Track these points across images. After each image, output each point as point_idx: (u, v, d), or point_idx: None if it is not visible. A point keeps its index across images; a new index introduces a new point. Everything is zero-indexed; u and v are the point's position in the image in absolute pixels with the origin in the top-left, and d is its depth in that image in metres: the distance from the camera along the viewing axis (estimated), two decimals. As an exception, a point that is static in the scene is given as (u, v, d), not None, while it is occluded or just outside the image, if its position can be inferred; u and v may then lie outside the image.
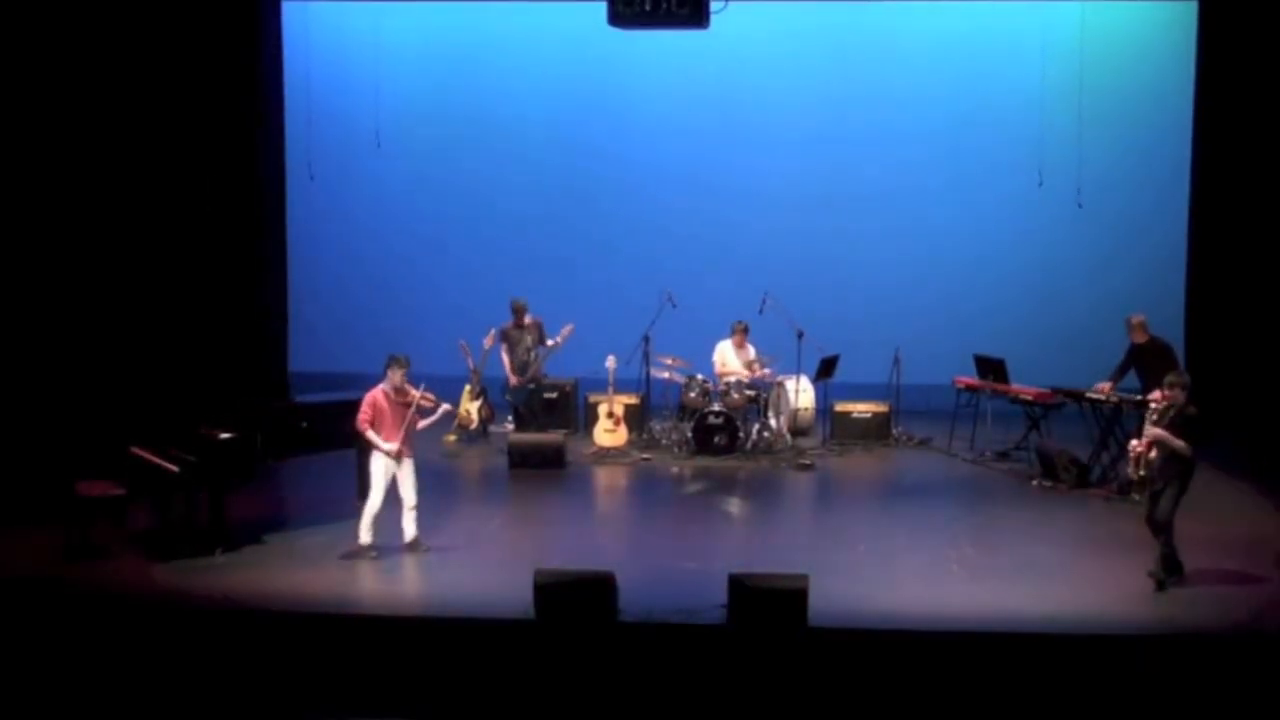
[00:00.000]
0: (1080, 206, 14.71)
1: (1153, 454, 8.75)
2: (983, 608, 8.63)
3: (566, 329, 13.22)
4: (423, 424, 9.76)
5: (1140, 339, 11.53)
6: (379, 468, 9.61)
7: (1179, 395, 8.70)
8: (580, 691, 7.78)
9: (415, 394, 9.61)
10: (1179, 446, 8.60)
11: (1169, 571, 8.89)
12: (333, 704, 7.83)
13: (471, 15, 15.60)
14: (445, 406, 9.81)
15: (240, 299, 14.63)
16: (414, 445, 9.74)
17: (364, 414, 9.58)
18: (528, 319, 13.47)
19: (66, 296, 12.49)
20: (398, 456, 9.56)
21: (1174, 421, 8.66)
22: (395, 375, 9.57)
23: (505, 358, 13.49)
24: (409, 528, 9.71)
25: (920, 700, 7.73)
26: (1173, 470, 8.71)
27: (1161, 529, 8.83)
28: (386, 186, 15.93)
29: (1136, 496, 9.37)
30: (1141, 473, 8.85)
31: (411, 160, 15.85)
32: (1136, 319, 11.56)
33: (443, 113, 15.80)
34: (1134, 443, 8.95)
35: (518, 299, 13.50)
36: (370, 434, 9.55)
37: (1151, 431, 8.70)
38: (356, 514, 9.96)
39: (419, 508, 9.72)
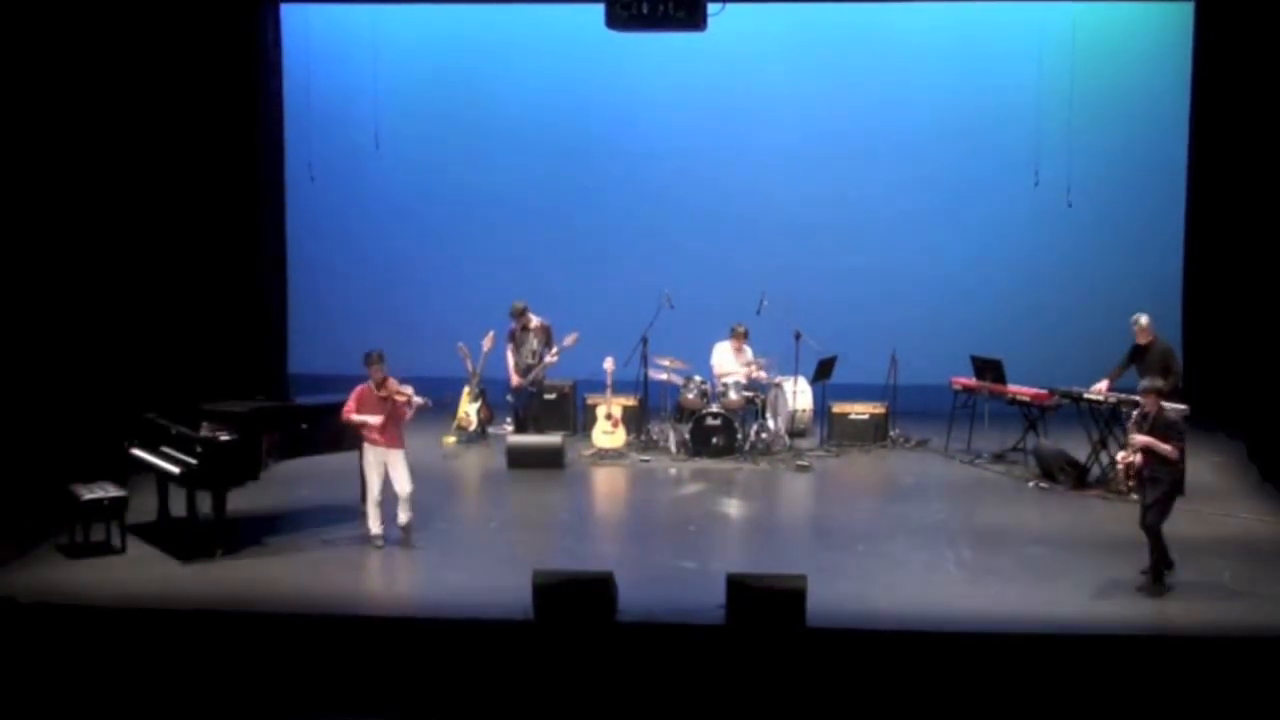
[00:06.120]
0: (1070, 206, 14.69)
1: (1137, 458, 8.83)
2: (980, 608, 8.67)
3: (570, 337, 13.23)
4: (409, 414, 9.95)
5: (1144, 340, 11.56)
6: (370, 460, 9.93)
7: (1153, 402, 8.83)
8: (579, 692, 7.80)
9: (393, 386, 9.80)
10: (1166, 451, 8.71)
11: (1163, 568, 8.95)
12: (332, 704, 7.86)
13: (471, 17, 15.60)
14: (417, 400, 9.92)
15: (240, 301, 14.64)
16: (403, 437, 9.97)
17: (349, 405, 9.91)
18: (535, 322, 13.45)
19: (67, 298, 12.50)
20: (386, 447, 9.83)
21: (1155, 427, 8.76)
22: (374, 372, 9.85)
23: (510, 358, 13.49)
24: (403, 514, 9.95)
25: (918, 700, 7.76)
26: (1162, 475, 8.79)
27: (1153, 532, 8.89)
28: (386, 188, 15.92)
29: (1135, 496, 9.44)
30: (1132, 482, 8.94)
31: (411, 161, 15.84)
32: (1145, 320, 11.57)
33: (442, 114, 15.79)
34: (1121, 454, 9.05)
35: (516, 303, 13.50)
36: (355, 416, 9.85)
37: (1139, 440, 8.79)
38: (359, 514, 10.20)
39: (415, 496, 9.94)
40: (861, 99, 15.35)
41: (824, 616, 8.22)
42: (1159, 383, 9.07)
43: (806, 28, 15.31)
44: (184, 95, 13.91)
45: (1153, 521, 8.86)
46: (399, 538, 9.95)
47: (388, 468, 9.87)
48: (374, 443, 9.87)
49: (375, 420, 9.78)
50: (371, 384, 9.85)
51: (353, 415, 9.85)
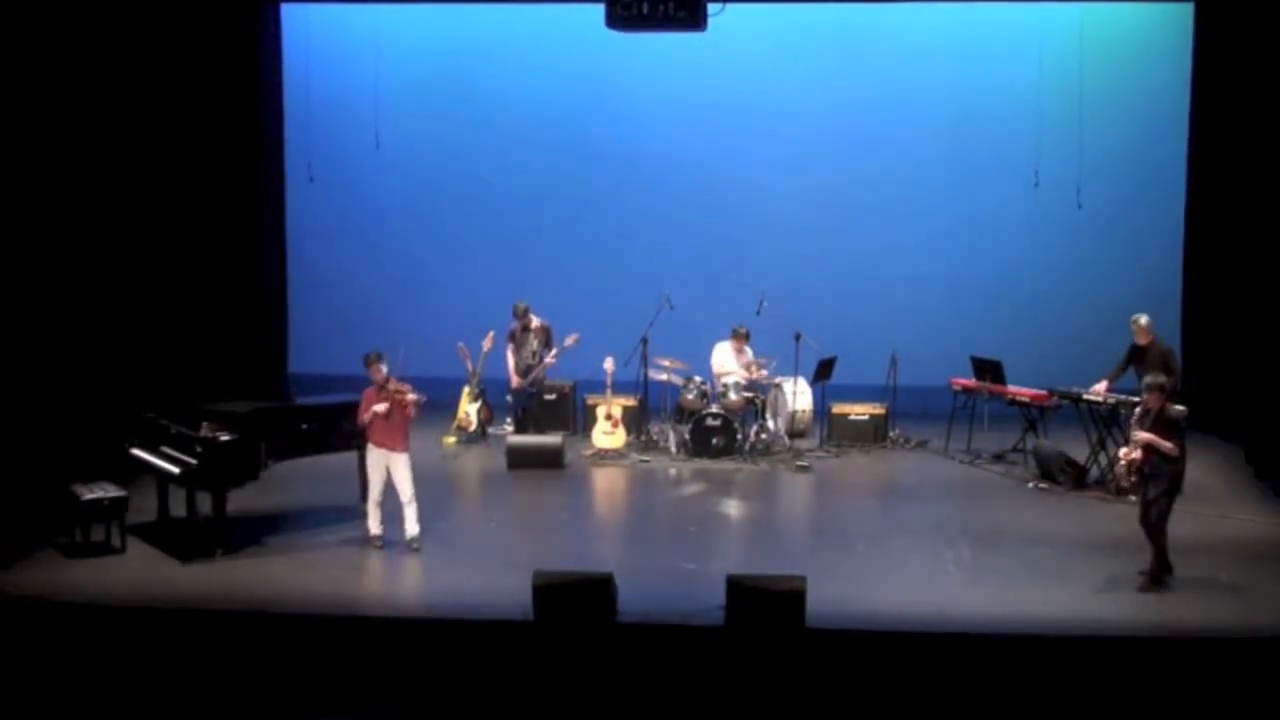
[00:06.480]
0: (1080, 207, 14.74)
1: (1138, 454, 8.83)
2: (979, 609, 8.67)
3: (571, 338, 13.24)
4: (412, 413, 9.91)
5: (1144, 340, 11.55)
6: (373, 461, 9.94)
7: (1157, 399, 8.82)
8: (579, 692, 7.81)
9: (394, 385, 9.83)
10: (1167, 448, 8.70)
11: (1160, 573, 8.97)
12: (332, 704, 7.86)
13: (471, 17, 15.60)
14: (412, 397, 9.87)
15: (240, 301, 14.65)
16: (406, 440, 9.94)
17: (363, 411, 9.94)
18: (536, 323, 13.47)
19: (67, 298, 12.49)
20: (388, 449, 9.83)
21: (1156, 423, 8.76)
22: (374, 372, 9.87)
23: (510, 359, 13.50)
24: (409, 525, 9.91)
25: (917, 701, 7.76)
26: (1163, 472, 8.79)
27: (1155, 530, 8.90)
28: (386, 188, 15.92)
29: (1133, 497, 9.45)
30: (1134, 478, 8.94)
31: (411, 162, 15.85)
32: (1145, 320, 11.57)
33: (442, 114, 15.80)
34: (1124, 450, 9.04)
35: (519, 302, 13.52)
36: (366, 416, 9.89)
37: (1141, 436, 8.79)
38: (358, 515, 10.21)
39: (418, 501, 9.92)
40: (862, 99, 15.35)
41: (824, 617, 8.23)
42: (1163, 379, 9.04)
43: (807, 28, 15.31)
44: (184, 95, 13.91)
45: (1155, 519, 8.87)
46: (402, 542, 9.90)
47: (390, 471, 9.86)
48: (378, 444, 9.87)
49: (383, 408, 9.77)
50: (376, 386, 9.88)
51: (364, 415, 9.90)
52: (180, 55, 13.80)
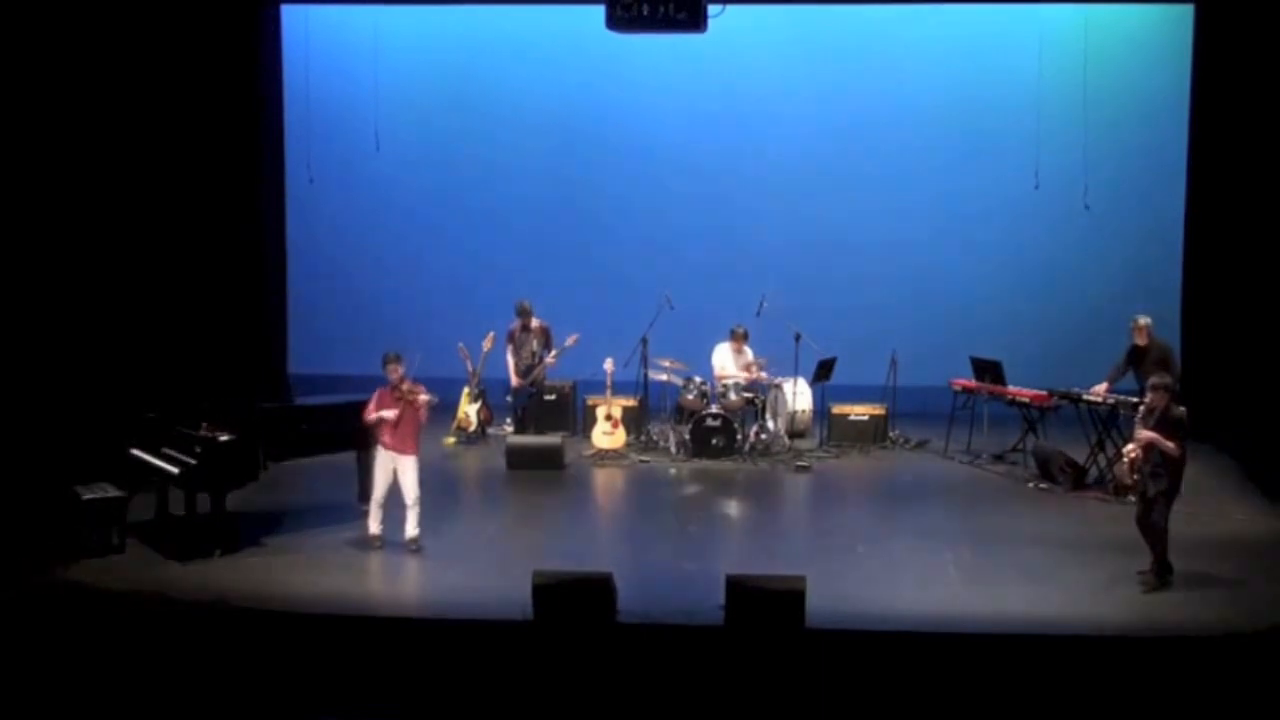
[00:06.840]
0: (1087, 208, 14.73)
1: (1138, 452, 8.82)
2: (979, 610, 8.67)
3: (571, 339, 13.25)
4: (424, 414, 9.86)
5: (1142, 341, 11.56)
6: (380, 463, 9.90)
7: (1161, 398, 8.81)
8: (579, 692, 7.81)
9: (407, 386, 9.78)
10: (1169, 448, 8.70)
11: (1161, 573, 8.97)
12: (332, 704, 7.86)
13: (471, 18, 15.61)
14: (425, 398, 9.82)
15: (240, 302, 14.66)
16: (416, 443, 9.89)
17: (369, 407, 9.89)
18: (535, 323, 13.48)
19: (67, 299, 12.51)
20: (397, 452, 9.79)
21: (1160, 423, 8.75)
22: (389, 372, 9.80)
23: (510, 359, 13.51)
24: (409, 527, 9.88)
25: (917, 702, 7.76)
26: (1164, 472, 8.78)
27: (1155, 531, 8.90)
28: (385, 189, 15.93)
29: (1132, 497, 9.45)
30: (1135, 476, 8.92)
31: (410, 162, 15.86)
32: (1144, 321, 11.57)
33: (442, 115, 15.81)
34: (1129, 447, 9.03)
35: (522, 301, 13.54)
36: (373, 415, 9.82)
37: (1145, 435, 8.78)
38: (358, 515, 10.22)
39: (421, 505, 9.88)
40: (863, 100, 15.37)
41: (823, 617, 8.23)
42: (1168, 379, 9.03)
43: (808, 30, 15.32)
44: (184, 96, 13.92)
45: (1156, 519, 8.87)
46: (402, 542, 9.89)
47: (397, 473, 9.83)
48: (387, 446, 9.82)
49: (391, 415, 9.75)
50: (390, 386, 9.84)
51: (370, 415, 9.86)
52: (180, 56, 13.80)
